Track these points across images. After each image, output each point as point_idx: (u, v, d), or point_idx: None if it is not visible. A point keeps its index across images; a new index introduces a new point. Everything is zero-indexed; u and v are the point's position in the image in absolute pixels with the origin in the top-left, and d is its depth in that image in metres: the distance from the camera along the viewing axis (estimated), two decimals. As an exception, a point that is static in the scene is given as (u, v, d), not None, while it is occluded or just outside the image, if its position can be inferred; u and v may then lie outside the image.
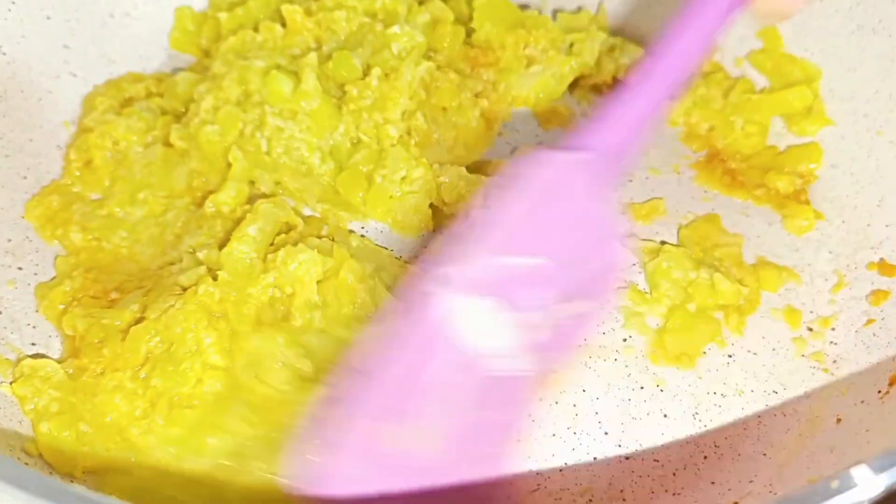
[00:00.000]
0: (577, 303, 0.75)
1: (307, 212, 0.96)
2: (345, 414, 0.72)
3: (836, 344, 0.90)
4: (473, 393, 0.74)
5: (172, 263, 0.88)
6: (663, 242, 0.96)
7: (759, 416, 0.86)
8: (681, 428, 0.85)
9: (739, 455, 0.84)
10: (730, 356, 0.90)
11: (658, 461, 0.83)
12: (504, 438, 0.77)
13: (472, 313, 0.73)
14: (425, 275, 0.74)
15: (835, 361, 0.89)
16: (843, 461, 0.75)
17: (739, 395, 0.87)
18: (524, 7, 1.12)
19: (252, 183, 0.94)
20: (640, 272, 0.94)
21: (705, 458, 0.84)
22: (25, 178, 0.95)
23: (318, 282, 0.84)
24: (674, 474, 0.82)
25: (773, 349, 0.90)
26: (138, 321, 0.81)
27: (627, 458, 0.83)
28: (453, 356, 0.73)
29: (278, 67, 0.95)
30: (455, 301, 0.72)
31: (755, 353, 0.90)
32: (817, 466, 0.78)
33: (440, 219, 0.96)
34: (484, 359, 0.73)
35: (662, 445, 0.84)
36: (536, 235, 0.75)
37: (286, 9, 0.99)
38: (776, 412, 0.86)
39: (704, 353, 0.89)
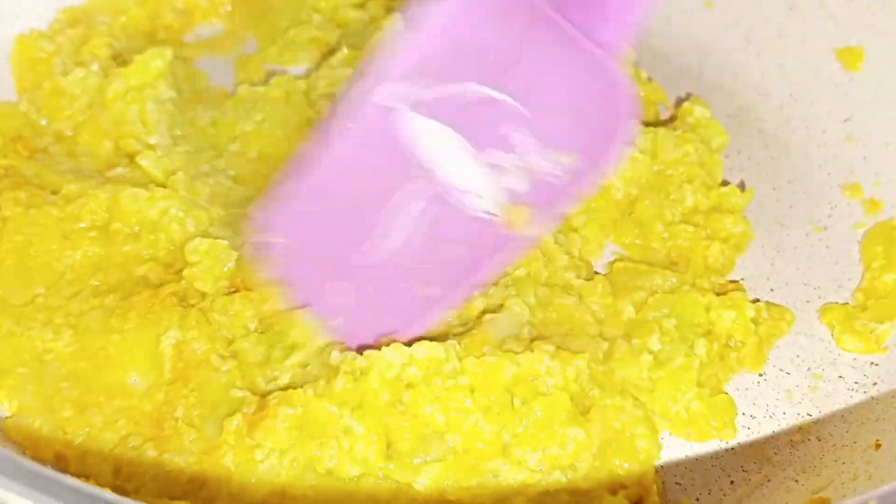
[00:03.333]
0: (560, 155, 0.75)
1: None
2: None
3: (876, 365, 0.85)
4: (434, 224, 0.77)
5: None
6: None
7: (791, 439, 0.82)
8: (707, 450, 0.82)
9: (769, 481, 0.80)
10: (761, 375, 0.86)
11: (680, 484, 0.80)
12: (454, 286, 0.79)
13: (435, 137, 0.76)
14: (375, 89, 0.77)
15: (875, 384, 0.84)
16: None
17: (770, 417, 0.83)
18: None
19: None
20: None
21: (732, 482, 0.80)
22: None
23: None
24: (697, 500, 0.79)
25: (808, 368, 0.86)
26: None
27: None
28: (413, 173, 0.77)
29: None
30: (417, 121, 0.76)
31: (788, 373, 0.86)
32: (853, 496, 0.72)
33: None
34: (448, 189, 0.77)
35: (686, 468, 0.80)
36: (491, 62, 0.77)
37: None
38: (810, 436, 0.82)
39: (734, 371, 0.86)
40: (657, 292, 0.86)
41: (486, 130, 0.77)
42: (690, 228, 0.90)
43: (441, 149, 0.77)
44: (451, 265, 0.79)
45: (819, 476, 0.78)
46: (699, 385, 0.81)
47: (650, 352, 0.81)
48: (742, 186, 0.95)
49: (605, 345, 0.82)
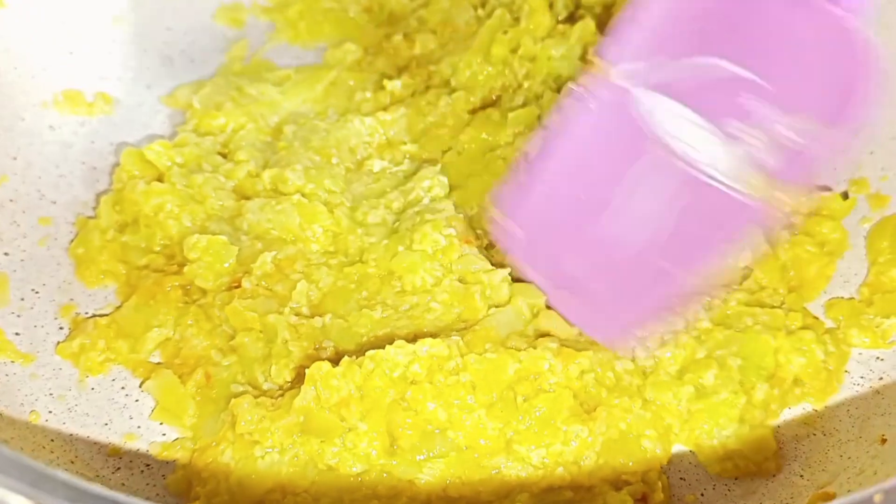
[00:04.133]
0: (801, 120, 0.72)
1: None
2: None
3: (882, 360, 0.84)
4: (674, 198, 0.76)
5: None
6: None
7: (796, 435, 0.81)
8: (712, 445, 0.81)
9: (773, 476, 0.79)
10: (766, 370, 0.84)
11: (685, 479, 0.79)
12: (697, 259, 0.77)
13: (671, 114, 0.75)
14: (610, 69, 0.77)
15: (881, 378, 0.83)
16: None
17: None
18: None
19: None
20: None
21: (736, 478, 0.79)
22: (15, 158, 0.93)
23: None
24: (702, 494, 0.78)
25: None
26: None
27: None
28: (650, 149, 0.76)
29: None
30: (652, 99, 0.76)
31: (793, 368, 0.85)
32: (859, 491, 0.71)
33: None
34: (687, 162, 0.75)
35: (691, 463, 0.80)
36: (722, 33, 0.75)
37: None
38: (815, 431, 0.81)
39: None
40: (731, 328, 0.83)
41: (722, 102, 0.75)
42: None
43: (677, 124, 0.76)
44: (694, 238, 0.77)
45: (824, 471, 0.77)
46: (741, 421, 0.79)
47: (696, 385, 0.80)
48: (845, 195, 0.94)
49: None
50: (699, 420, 0.79)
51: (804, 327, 0.83)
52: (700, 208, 0.75)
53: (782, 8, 0.73)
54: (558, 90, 0.96)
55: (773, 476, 0.78)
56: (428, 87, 1.00)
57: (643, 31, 0.76)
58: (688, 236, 0.76)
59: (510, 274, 0.84)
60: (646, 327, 0.79)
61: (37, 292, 0.86)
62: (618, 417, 0.77)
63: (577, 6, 1.05)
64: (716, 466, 0.79)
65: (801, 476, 0.78)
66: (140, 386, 0.82)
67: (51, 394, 0.80)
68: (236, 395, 0.77)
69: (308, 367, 0.75)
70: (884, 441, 0.76)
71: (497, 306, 0.82)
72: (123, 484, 0.76)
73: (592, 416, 0.76)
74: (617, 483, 0.76)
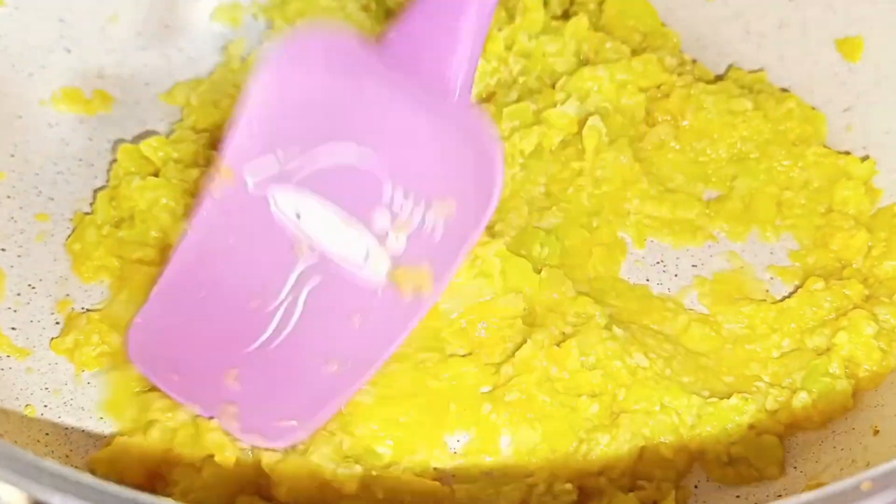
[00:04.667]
0: (436, 207, 0.74)
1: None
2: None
3: None
4: (325, 299, 0.76)
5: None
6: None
7: None
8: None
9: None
10: (758, 363, 0.85)
11: (698, 487, 0.79)
12: (359, 362, 0.75)
13: (312, 210, 0.76)
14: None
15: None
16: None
17: (770, 403, 0.82)
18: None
19: None
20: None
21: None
22: (13, 155, 0.94)
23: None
24: (696, 486, 0.78)
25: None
26: None
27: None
28: (296, 249, 0.77)
29: None
30: (290, 196, 0.77)
31: (787, 360, 0.85)
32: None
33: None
34: (335, 261, 0.76)
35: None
36: (343, 119, 0.77)
37: None
38: None
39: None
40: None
41: (359, 195, 0.76)
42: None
43: (320, 220, 0.77)
44: (350, 340, 0.76)
45: (817, 462, 0.77)
46: (750, 427, 0.78)
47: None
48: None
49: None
50: (705, 425, 0.78)
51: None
52: (356, 306, 0.76)
53: (392, 99, 0.77)
54: (553, 86, 0.97)
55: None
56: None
57: (258, 125, 0.77)
58: (349, 336, 0.76)
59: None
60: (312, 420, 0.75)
61: (33, 287, 0.86)
62: (640, 423, 0.77)
63: (571, 2, 1.06)
64: (716, 472, 0.78)
65: (795, 467, 0.77)
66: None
67: (46, 388, 0.80)
68: None
69: None
70: (876, 433, 0.76)
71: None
72: (119, 476, 0.76)
73: (616, 422, 0.76)
74: (630, 486, 0.76)
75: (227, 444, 0.72)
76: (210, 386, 0.75)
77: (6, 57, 0.95)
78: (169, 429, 0.74)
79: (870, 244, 0.89)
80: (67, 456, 0.76)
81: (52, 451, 0.75)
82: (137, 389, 0.79)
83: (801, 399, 0.78)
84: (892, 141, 0.93)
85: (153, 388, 0.77)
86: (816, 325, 0.83)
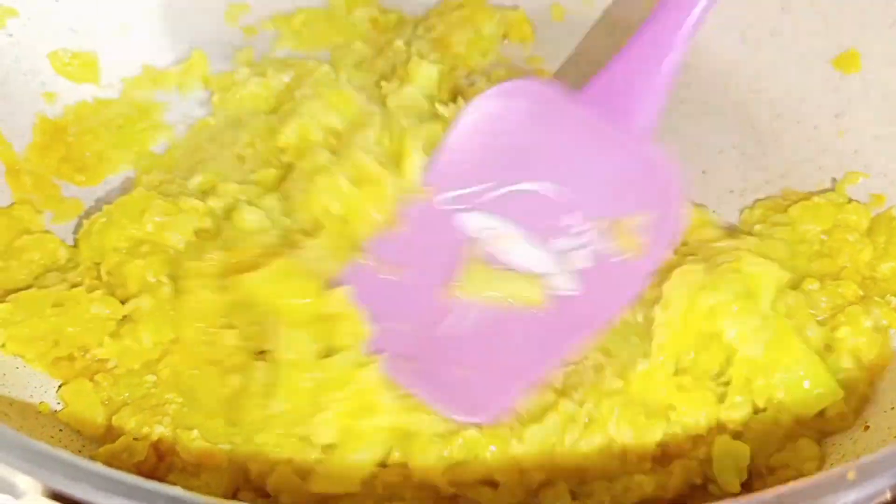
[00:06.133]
0: (614, 221, 0.81)
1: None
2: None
3: None
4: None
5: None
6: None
7: None
8: (698, 432, 0.81)
9: None
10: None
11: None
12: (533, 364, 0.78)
13: (499, 232, 0.82)
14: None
15: None
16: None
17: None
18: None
19: None
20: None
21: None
22: None
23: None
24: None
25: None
26: None
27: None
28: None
29: None
30: (479, 219, 0.83)
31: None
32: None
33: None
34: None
35: None
36: (524, 161, 0.84)
37: None
38: None
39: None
40: None
41: (546, 223, 0.82)
42: None
43: (506, 240, 0.82)
44: (527, 346, 0.79)
45: (809, 459, 0.77)
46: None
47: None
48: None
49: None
50: (681, 414, 0.78)
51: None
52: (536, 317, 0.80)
53: (582, 139, 0.83)
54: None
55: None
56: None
57: (461, 157, 0.84)
58: (527, 343, 0.79)
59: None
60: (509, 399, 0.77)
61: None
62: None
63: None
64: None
65: (788, 465, 0.77)
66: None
67: (60, 385, 0.82)
68: None
69: None
70: (866, 428, 0.77)
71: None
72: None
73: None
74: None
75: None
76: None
77: (18, 67, 0.97)
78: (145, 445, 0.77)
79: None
80: (80, 451, 0.77)
81: (66, 447, 0.77)
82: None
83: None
84: (884, 146, 0.95)
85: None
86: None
